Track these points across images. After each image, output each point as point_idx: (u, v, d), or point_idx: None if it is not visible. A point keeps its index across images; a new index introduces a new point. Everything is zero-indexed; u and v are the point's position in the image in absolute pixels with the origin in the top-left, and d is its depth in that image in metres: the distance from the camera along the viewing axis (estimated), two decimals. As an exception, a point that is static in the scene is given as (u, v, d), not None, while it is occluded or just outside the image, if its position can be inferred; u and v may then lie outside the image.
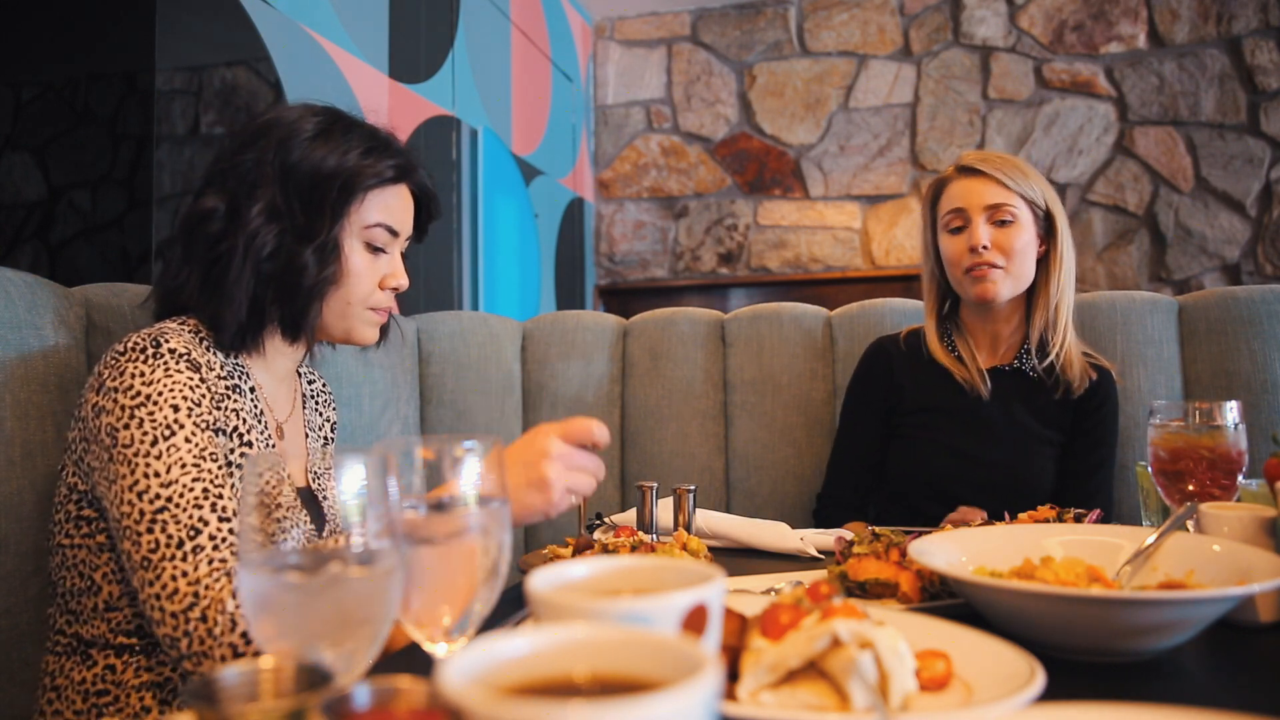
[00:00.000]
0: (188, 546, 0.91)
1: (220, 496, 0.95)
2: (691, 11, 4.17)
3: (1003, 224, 1.56)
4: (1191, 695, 0.72)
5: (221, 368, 1.08)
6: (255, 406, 1.13)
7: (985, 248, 1.55)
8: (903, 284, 3.75)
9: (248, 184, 1.08)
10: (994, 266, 1.55)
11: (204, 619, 0.88)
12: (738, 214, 4.09)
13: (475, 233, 3.07)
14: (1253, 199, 3.46)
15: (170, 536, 0.92)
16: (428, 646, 0.62)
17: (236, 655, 0.87)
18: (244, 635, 0.87)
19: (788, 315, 2.00)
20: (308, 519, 1.14)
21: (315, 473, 1.23)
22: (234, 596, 0.87)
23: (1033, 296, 1.61)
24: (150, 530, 0.92)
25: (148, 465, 0.94)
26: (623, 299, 4.21)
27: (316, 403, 1.33)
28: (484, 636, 0.43)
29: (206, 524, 0.93)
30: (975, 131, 3.78)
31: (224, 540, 0.92)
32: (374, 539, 0.58)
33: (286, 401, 1.23)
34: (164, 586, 0.90)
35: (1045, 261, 1.60)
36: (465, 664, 0.39)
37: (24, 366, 1.15)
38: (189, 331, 1.07)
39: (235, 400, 1.08)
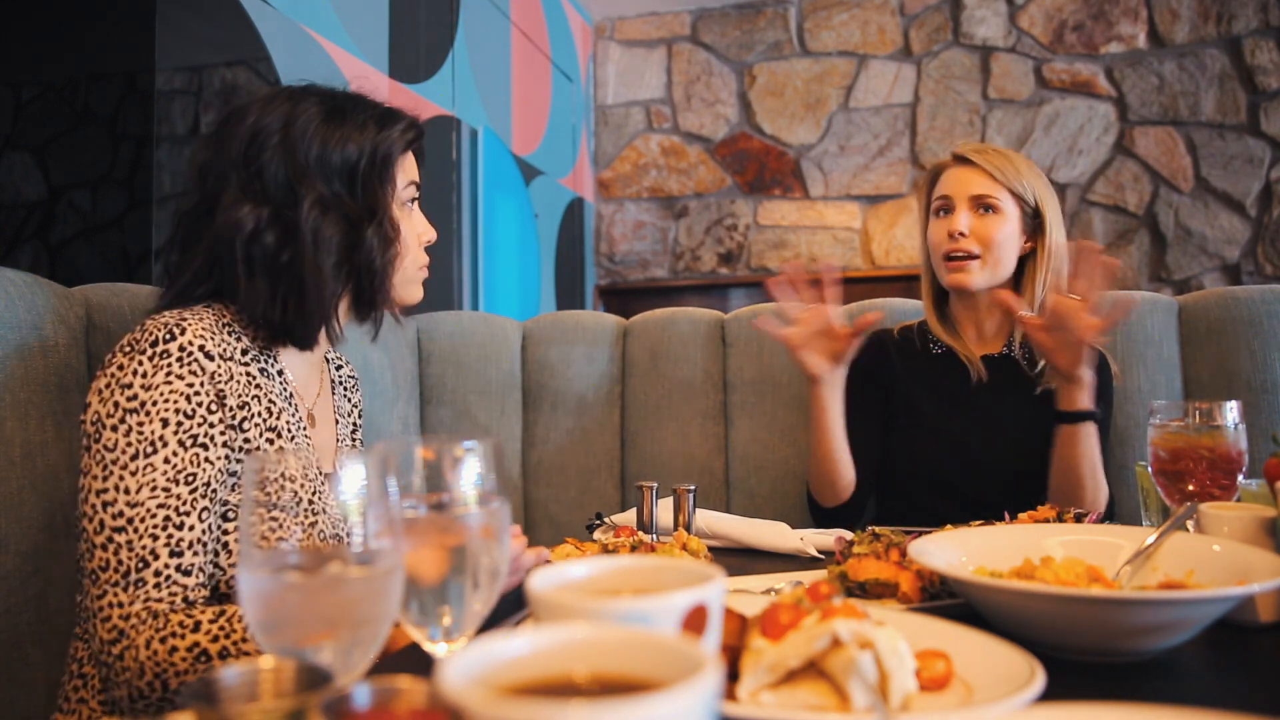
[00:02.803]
0: (132, 578, 0.94)
1: (180, 526, 0.96)
2: (691, 11, 4.17)
3: (985, 213, 1.58)
4: (1191, 695, 0.72)
5: (244, 353, 1.07)
6: (285, 391, 1.13)
7: (963, 234, 1.58)
8: (903, 284, 3.75)
9: (283, 187, 1.07)
10: (970, 256, 1.58)
11: (120, 657, 0.93)
12: (738, 214, 4.09)
13: (475, 233, 3.07)
14: (1253, 199, 3.46)
15: (121, 563, 0.94)
16: (428, 646, 0.62)
17: (141, 697, 0.92)
18: (149, 684, 0.91)
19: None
20: (334, 503, 1.13)
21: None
22: (147, 646, 0.91)
23: (1018, 291, 1.62)
24: (104, 548, 0.95)
25: (120, 479, 0.95)
26: (623, 299, 4.21)
27: (345, 389, 1.33)
28: (484, 636, 0.43)
29: (156, 557, 0.94)
30: (975, 131, 3.78)
31: (166, 579, 0.95)
32: (374, 539, 0.58)
33: (314, 387, 1.23)
34: (100, 610, 0.94)
35: (1031, 259, 1.61)
36: (465, 664, 0.39)
37: (24, 366, 1.15)
38: (213, 317, 1.06)
39: (264, 384, 1.08)
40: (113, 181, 1.89)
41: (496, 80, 3.32)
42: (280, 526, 0.63)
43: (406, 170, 1.18)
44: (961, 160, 1.63)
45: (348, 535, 0.60)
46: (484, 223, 3.10)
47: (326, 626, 0.55)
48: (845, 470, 1.62)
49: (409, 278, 1.20)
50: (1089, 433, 1.44)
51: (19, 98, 1.95)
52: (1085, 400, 1.42)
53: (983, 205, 1.58)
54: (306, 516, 1.02)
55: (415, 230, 1.20)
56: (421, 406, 2.02)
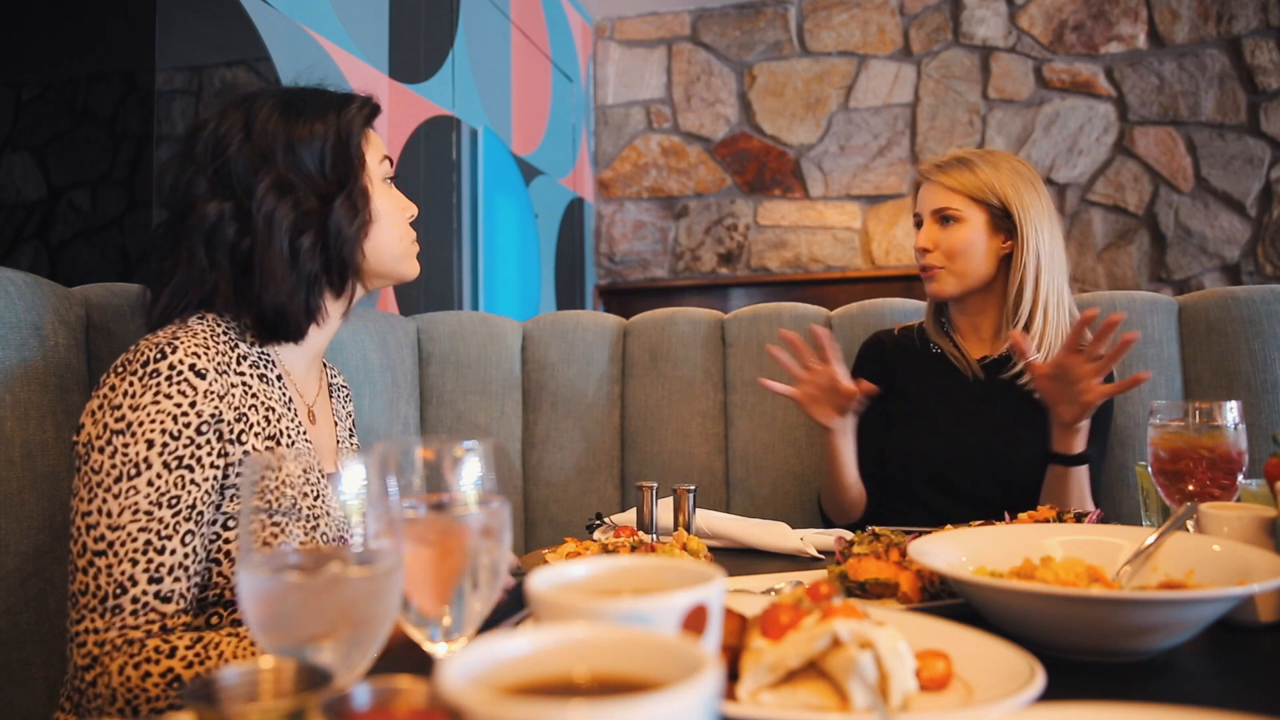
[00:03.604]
0: (109, 604, 0.93)
1: (161, 551, 0.95)
2: (691, 11, 4.17)
3: (947, 224, 1.63)
4: (1191, 695, 0.72)
5: (242, 360, 1.07)
6: (284, 395, 1.13)
7: (927, 249, 1.65)
8: (903, 284, 3.75)
9: (242, 179, 1.08)
10: (937, 267, 1.64)
11: (94, 684, 0.92)
12: (738, 214, 4.09)
13: (475, 233, 3.07)
14: (1253, 199, 3.46)
15: (99, 587, 0.94)
16: (428, 646, 0.62)
17: None
18: (120, 710, 0.91)
19: (788, 315, 2.00)
20: (337, 505, 1.13)
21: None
22: (120, 672, 0.91)
23: (1004, 288, 1.64)
24: (85, 571, 0.94)
25: (104, 502, 0.95)
26: (623, 299, 4.21)
27: (339, 397, 1.34)
28: (484, 636, 0.43)
29: (135, 583, 0.94)
30: (975, 131, 3.78)
31: (144, 606, 0.94)
32: (374, 539, 0.58)
33: (313, 387, 1.23)
34: (77, 634, 0.94)
35: (1010, 258, 1.63)
36: (465, 664, 0.39)
37: (24, 366, 1.15)
38: (206, 330, 1.05)
39: (262, 390, 1.08)
40: (113, 181, 1.89)
41: (496, 80, 3.32)
42: (282, 532, 0.63)
43: (374, 146, 1.19)
44: (924, 176, 1.68)
45: (350, 536, 0.60)
46: (484, 223, 3.10)
47: (326, 626, 0.55)
48: (858, 496, 1.67)
49: (401, 251, 1.20)
50: (1079, 473, 1.48)
51: (19, 98, 1.95)
52: (1079, 445, 1.46)
53: (943, 217, 1.64)
54: (308, 521, 1.02)
55: (398, 206, 1.20)
56: (421, 406, 2.02)
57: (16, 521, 1.13)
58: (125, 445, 0.96)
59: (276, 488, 0.61)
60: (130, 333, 1.28)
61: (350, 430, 1.34)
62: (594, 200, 4.26)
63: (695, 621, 0.50)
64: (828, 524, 1.71)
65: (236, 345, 1.08)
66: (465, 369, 2.03)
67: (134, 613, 0.93)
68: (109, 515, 0.95)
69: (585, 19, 4.21)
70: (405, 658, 0.83)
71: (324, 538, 1.04)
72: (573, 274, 4.02)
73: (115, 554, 0.94)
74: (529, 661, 0.41)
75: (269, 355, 1.13)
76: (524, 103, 3.54)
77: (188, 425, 0.99)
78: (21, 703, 1.12)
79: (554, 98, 3.85)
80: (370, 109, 1.19)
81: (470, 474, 0.63)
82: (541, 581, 0.54)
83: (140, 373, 0.98)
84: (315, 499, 1.03)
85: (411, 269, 1.23)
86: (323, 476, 1.08)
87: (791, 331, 1.56)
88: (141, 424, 0.97)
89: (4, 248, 1.91)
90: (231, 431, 1.03)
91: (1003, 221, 1.62)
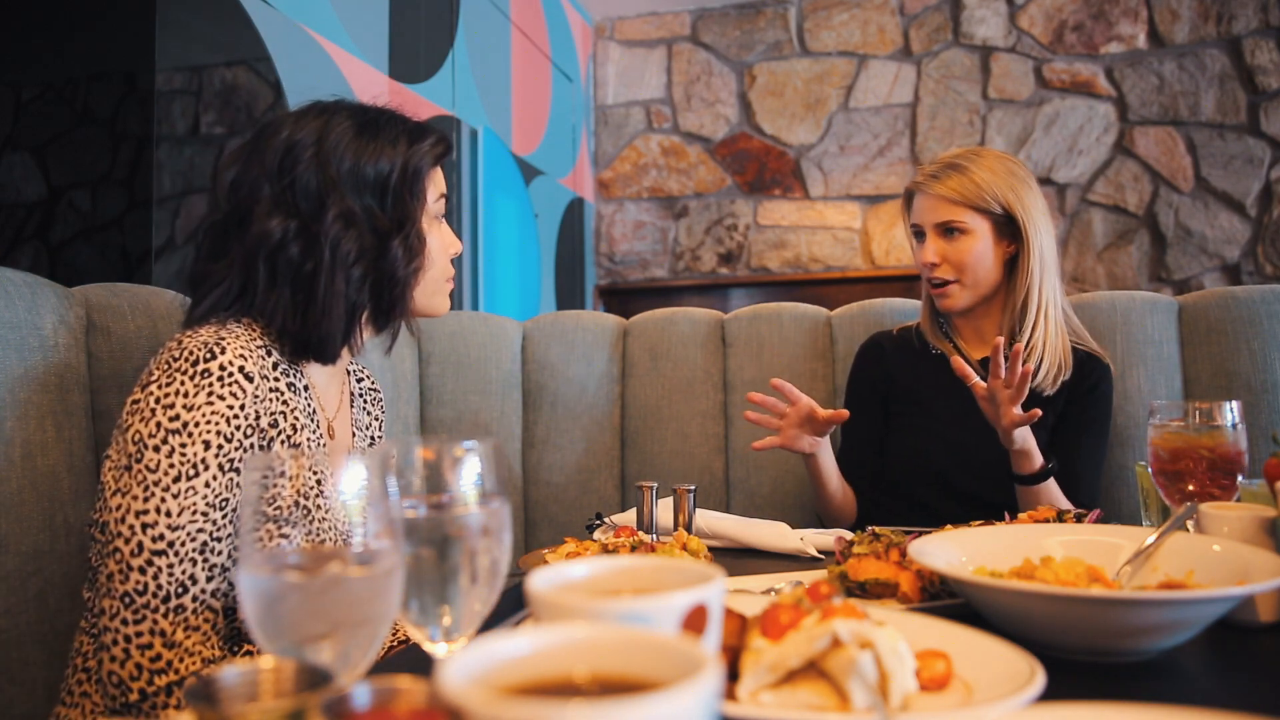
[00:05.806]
0: (172, 603, 0.93)
1: (216, 552, 0.96)
2: (691, 11, 4.17)
3: (953, 236, 1.60)
4: (1191, 695, 0.72)
5: (275, 367, 1.07)
6: (309, 405, 1.13)
7: (935, 264, 1.62)
8: (903, 284, 3.75)
9: (314, 199, 1.07)
10: (947, 281, 1.62)
11: (169, 691, 0.92)
12: (738, 214, 4.09)
13: (475, 233, 3.07)
14: (1253, 199, 3.46)
15: (160, 586, 0.93)
16: (428, 646, 0.62)
17: None
18: None
19: (788, 315, 2.00)
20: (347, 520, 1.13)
21: None
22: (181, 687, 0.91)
23: (1010, 291, 1.64)
24: (143, 571, 0.94)
25: (162, 501, 0.95)
26: (623, 299, 4.21)
27: (365, 401, 1.32)
28: (484, 636, 0.43)
29: (195, 582, 0.95)
30: (975, 131, 3.78)
31: (203, 605, 0.95)
32: (374, 539, 0.58)
33: (334, 399, 1.23)
34: (139, 635, 0.93)
35: (1017, 260, 1.62)
36: (465, 664, 0.39)
37: (24, 366, 1.15)
38: (246, 334, 1.05)
39: (291, 399, 1.08)
40: (113, 181, 1.89)
41: (496, 80, 3.32)
42: (289, 542, 0.63)
43: (436, 184, 1.19)
44: (920, 187, 1.64)
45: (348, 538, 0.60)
46: (484, 223, 3.10)
47: (326, 626, 0.55)
48: (850, 505, 1.67)
49: (435, 289, 1.21)
50: (1045, 488, 1.49)
51: (19, 98, 1.95)
52: (1029, 464, 1.48)
53: (948, 229, 1.60)
54: (316, 537, 1.01)
55: (443, 243, 1.20)
56: (421, 406, 2.02)
57: (16, 521, 1.13)
58: (183, 445, 0.96)
59: (289, 497, 0.61)
60: (130, 333, 1.28)
61: (373, 439, 1.32)
62: (594, 200, 4.26)
63: (695, 621, 0.50)
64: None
65: (271, 352, 1.07)
66: (465, 369, 2.03)
67: (195, 610, 0.94)
68: (168, 515, 0.95)
69: (585, 19, 4.21)
70: (405, 658, 0.84)
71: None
72: (573, 274, 4.02)
73: (176, 554, 0.94)
74: (529, 661, 0.41)
75: (297, 366, 1.13)
76: (524, 103, 3.54)
77: (238, 428, 0.99)
78: (21, 702, 1.12)
79: (554, 98, 3.85)
80: (443, 148, 1.18)
81: (470, 474, 0.63)
82: (541, 581, 0.54)
83: (190, 371, 0.99)
84: (325, 512, 1.03)
85: (443, 305, 1.23)
86: (335, 489, 1.08)
87: (756, 393, 1.55)
88: (198, 424, 0.97)
89: (4, 248, 1.91)
90: (265, 438, 1.03)
91: (1006, 226, 1.59)
